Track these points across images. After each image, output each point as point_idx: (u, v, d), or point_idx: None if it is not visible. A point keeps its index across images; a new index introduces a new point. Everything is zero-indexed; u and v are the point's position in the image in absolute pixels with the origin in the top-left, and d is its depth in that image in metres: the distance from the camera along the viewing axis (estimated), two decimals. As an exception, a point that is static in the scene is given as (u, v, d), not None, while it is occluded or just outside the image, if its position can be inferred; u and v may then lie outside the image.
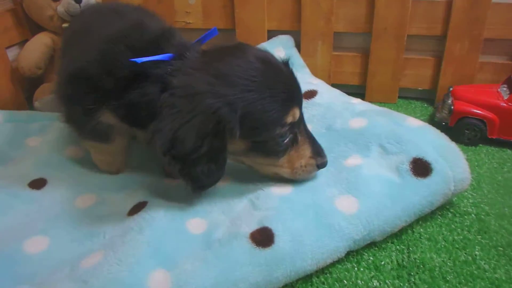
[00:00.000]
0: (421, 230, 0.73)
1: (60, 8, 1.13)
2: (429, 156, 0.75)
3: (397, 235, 0.72)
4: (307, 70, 1.22)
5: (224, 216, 0.69)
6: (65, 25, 1.14)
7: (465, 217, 0.76)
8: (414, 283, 0.63)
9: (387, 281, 0.63)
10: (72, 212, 0.73)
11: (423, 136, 0.80)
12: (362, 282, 0.63)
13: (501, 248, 0.69)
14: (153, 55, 0.67)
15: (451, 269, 0.65)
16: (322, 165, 0.73)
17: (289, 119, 0.67)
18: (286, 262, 0.61)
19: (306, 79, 1.11)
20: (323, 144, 0.75)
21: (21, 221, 0.70)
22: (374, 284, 0.63)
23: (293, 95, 0.69)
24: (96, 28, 0.78)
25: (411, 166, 0.74)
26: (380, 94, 1.25)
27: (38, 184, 0.80)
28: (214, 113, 0.61)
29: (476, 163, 0.93)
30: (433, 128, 0.83)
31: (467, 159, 0.76)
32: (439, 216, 0.76)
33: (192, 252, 0.62)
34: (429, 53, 1.19)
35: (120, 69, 0.67)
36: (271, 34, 1.27)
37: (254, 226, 0.65)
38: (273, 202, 0.70)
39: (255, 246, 0.62)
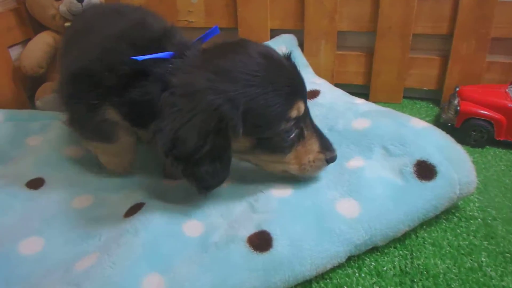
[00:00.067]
0: (425, 234, 0.71)
1: (62, 7, 1.13)
2: (434, 158, 0.73)
3: (400, 240, 0.70)
4: (310, 69, 1.20)
5: (222, 219, 0.68)
6: (67, 24, 1.14)
7: (471, 221, 0.74)
8: (417, 290, 0.61)
9: (389, 288, 0.62)
10: (68, 213, 0.72)
11: (428, 137, 0.78)
12: (363, 288, 0.62)
13: (509, 255, 0.66)
14: (153, 53, 0.66)
15: (456, 276, 0.63)
16: (331, 159, 0.71)
17: (294, 113, 0.65)
18: (284, 267, 0.59)
19: (309, 79, 1.09)
20: (324, 145, 0.73)
21: (17, 221, 0.70)
22: (376, 290, 0.61)
23: (296, 88, 0.67)
24: (98, 28, 0.78)
25: (415, 168, 0.72)
26: (384, 94, 1.23)
27: (36, 183, 0.79)
28: (216, 110, 0.59)
29: (483, 166, 0.90)
30: (438, 129, 0.81)
31: (473, 162, 0.74)
32: (444, 221, 0.74)
33: (188, 256, 0.61)
34: (435, 53, 1.17)
35: (121, 66, 0.67)
36: (274, 33, 1.26)
37: (252, 230, 0.63)
38: (272, 205, 0.68)
39: (253, 250, 0.60)
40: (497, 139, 0.96)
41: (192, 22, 1.30)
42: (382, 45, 1.16)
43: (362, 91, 1.24)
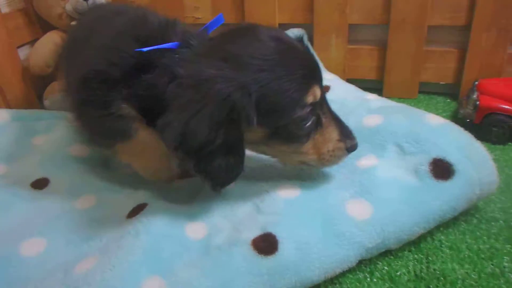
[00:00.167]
0: (442, 237, 0.67)
1: (68, 6, 1.12)
2: (451, 156, 0.69)
3: (415, 243, 0.66)
4: (320, 65, 1.16)
5: (226, 221, 0.65)
6: (73, 23, 1.13)
7: (492, 223, 0.69)
8: (433, 297, 0.57)
9: (402, 294, 0.58)
10: (71, 213, 0.71)
11: (445, 134, 0.74)
12: (375, 294, 0.58)
13: (534, 259, 0.62)
14: (158, 44, 0.64)
15: (476, 282, 0.59)
16: (352, 147, 0.66)
17: (310, 99, 0.61)
18: (291, 272, 0.56)
19: (319, 74, 1.05)
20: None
21: (20, 222, 0.69)
22: (388, 297, 0.58)
23: (311, 72, 0.63)
24: (99, 29, 0.77)
25: (431, 167, 0.68)
26: (399, 89, 1.18)
27: (40, 184, 0.79)
28: (226, 99, 0.55)
29: (504, 164, 0.85)
30: (455, 125, 0.77)
31: (494, 159, 0.70)
32: (462, 222, 0.70)
33: (190, 259, 0.59)
34: (452, 45, 1.12)
35: (127, 60, 0.65)
36: (283, 28, 1.22)
37: (257, 232, 0.61)
38: (278, 206, 0.65)
39: (257, 253, 0.57)
40: (520, 135, 0.91)
41: (199, 18, 1.27)
42: (395, 38, 1.11)
43: (375, 86, 1.20)
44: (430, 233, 0.67)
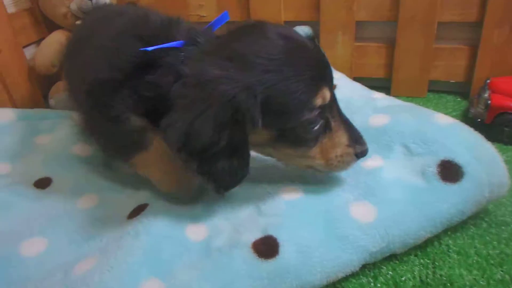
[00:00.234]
0: (450, 241, 0.65)
1: (73, 5, 1.12)
2: (460, 158, 0.66)
3: (421, 247, 0.64)
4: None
5: (227, 222, 0.64)
6: (78, 22, 1.13)
7: (503, 228, 0.67)
8: (440, 304, 0.55)
9: (407, 300, 0.56)
10: (73, 213, 0.71)
11: (454, 135, 0.71)
12: (379, 300, 0.57)
13: (546, 266, 0.59)
14: (163, 43, 0.62)
15: (484, 289, 0.57)
16: (362, 153, 0.64)
17: (319, 101, 0.58)
18: (291, 276, 0.55)
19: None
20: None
21: (22, 221, 0.69)
22: (393, 303, 0.56)
23: (321, 73, 0.60)
24: (101, 31, 0.76)
25: (439, 169, 0.66)
26: (407, 88, 1.16)
27: (43, 183, 0.79)
28: (231, 100, 0.54)
29: (516, 165, 0.82)
30: (465, 126, 0.74)
31: (505, 161, 0.67)
32: (471, 226, 0.68)
33: (189, 261, 0.58)
34: (463, 42, 1.09)
35: (130, 60, 0.64)
36: (288, 26, 1.20)
37: (257, 235, 0.59)
38: (280, 208, 0.64)
39: (257, 256, 0.56)
40: (533, 135, 0.88)
41: (203, 16, 1.26)
42: (404, 35, 1.09)
43: (383, 85, 1.18)
44: (437, 237, 0.65)
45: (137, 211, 0.68)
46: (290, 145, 0.62)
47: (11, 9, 1.14)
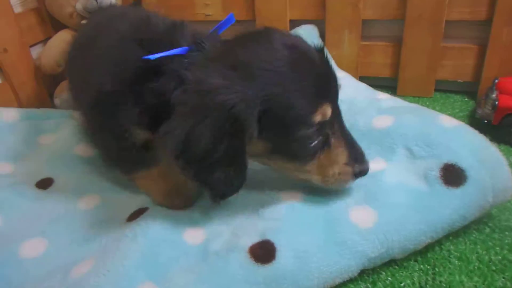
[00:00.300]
0: (451, 247, 0.64)
1: (79, 5, 1.12)
2: (464, 161, 0.65)
3: (421, 252, 0.63)
4: (332, 62, 1.12)
5: (225, 226, 0.64)
6: (84, 22, 1.14)
7: (506, 233, 0.66)
8: (439, 311, 0.55)
9: (406, 307, 0.56)
10: (73, 214, 0.72)
11: (458, 137, 0.70)
12: (377, 306, 0.56)
13: (550, 274, 0.58)
14: (166, 49, 0.61)
15: (485, 296, 0.56)
16: (361, 173, 0.63)
17: (318, 117, 0.58)
18: (288, 281, 0.55)
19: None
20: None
21: (23, 221, 0.70)
22: (391, 309, 0.55)
23: (325, 88, 0.59)
24: (103, 32, 0.76)
25: (441, 173, 0.65)
26: (414, 87, 1.14)
27: (45, 183, 0.79)
28: (230, 110, 0.54)
29: (523, 169, 0.80)
30: (470, 128, 0.72)
31: (511, 164, 0.65)
32: (474, 231, 0.66)
33: (186, 265, 0.58)
34: (471, 41, 1.06)
35: (134, 70, 0.63)
36: (294, 24, 1.19)
37: (255, 239, 0.59)
38: (279, 212, 0.64)
39: (254, 261, 0.56)
40: (542, 138, 0.86)
41: (209, 15, 1.26)
42: (411, 33, 1.07)
43: (389, 84, 1.16)
44: (438, 242, 0.64)
45: (137, 214, 0.68)
46: (286, 158, 0.62)
47: (17, 9, 1.16)
